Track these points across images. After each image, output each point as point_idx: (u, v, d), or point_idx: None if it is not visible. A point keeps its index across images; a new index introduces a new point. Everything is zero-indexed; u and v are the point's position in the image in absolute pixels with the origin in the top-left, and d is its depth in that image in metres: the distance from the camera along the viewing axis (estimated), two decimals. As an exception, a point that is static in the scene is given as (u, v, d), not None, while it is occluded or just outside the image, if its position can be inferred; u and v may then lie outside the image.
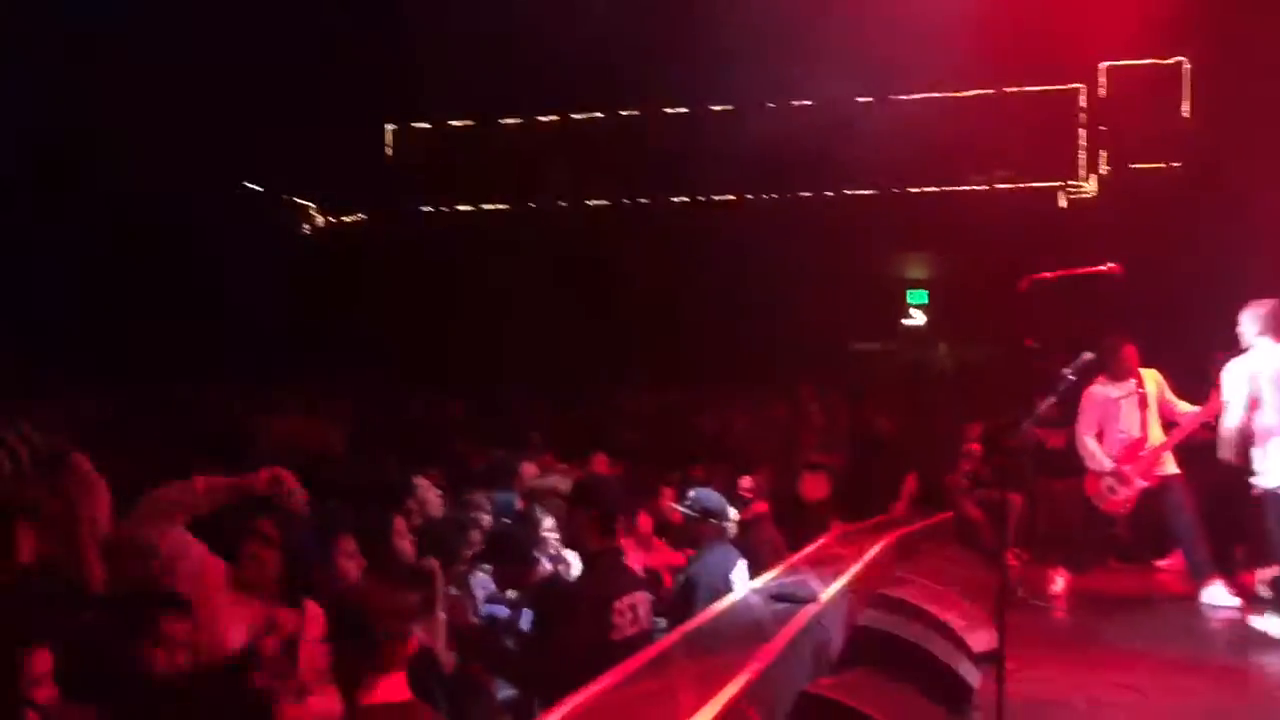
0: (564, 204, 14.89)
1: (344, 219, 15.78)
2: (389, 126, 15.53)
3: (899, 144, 12.64)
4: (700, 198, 14.42)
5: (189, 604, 3.84)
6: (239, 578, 4.24)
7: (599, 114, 14.47)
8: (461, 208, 15.35)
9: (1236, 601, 7.84)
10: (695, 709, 3.26)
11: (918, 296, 15.42)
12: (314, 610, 4.16)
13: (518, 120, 14.95)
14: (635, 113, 14.30)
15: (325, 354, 12.80)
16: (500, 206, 15.18)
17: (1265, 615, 6.91)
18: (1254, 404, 6.73)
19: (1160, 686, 5.89)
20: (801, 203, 14.12)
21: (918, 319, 15.56)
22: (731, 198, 14.32)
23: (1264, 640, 7.13)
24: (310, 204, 15.76)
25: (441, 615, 4.58)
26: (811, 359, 13.38)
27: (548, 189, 14.89)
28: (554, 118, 14.76)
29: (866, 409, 12.26)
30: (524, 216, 14.93)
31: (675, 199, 14.54)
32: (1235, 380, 6.81)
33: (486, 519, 5.71)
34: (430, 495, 6.36)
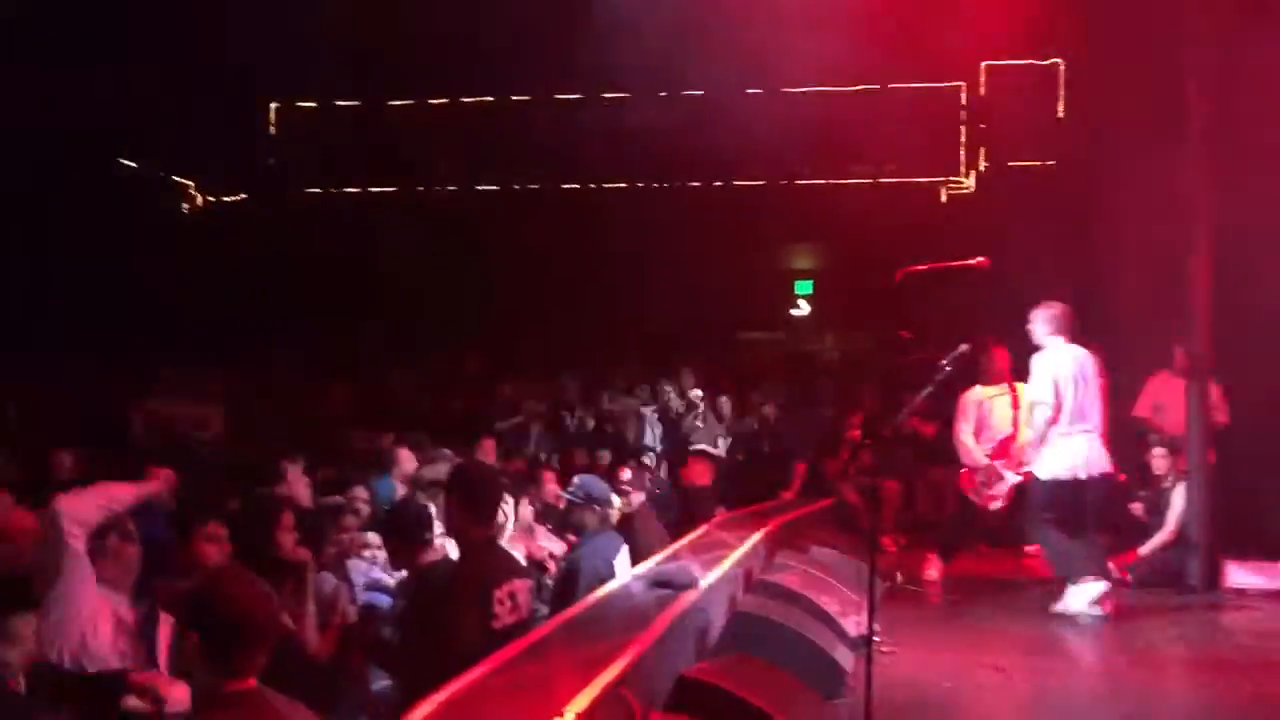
0: (453, 188, 14.72)
1: (225, 198, 15.36)
2: (273, 105, 15.15)
3: (787, 136, 12.79)
4: (591, 185, 14.38)
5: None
6: (100, 574, 4.14)
7: (489, 98, 14.33)
8: (348, 190, 15.04)
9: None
10: (573, 694, 3.28)
11: (804, 287, 15.65)
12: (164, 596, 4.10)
13: (407, 103, 14.71)
14: (525, 98, 14.19)
15: (205, 335, 12.48)
16: (388, 189, 14.92)
17: (1063, 599, 7.23)
18: (1058, 401, 7.12)
19: (1024, 667, 6.11)
20: (691, 192, 14.19)
21: (804, 309, 15.81)
22: (622, 185, 14.31)
23: (1122, 622, 7.47)
24: (189, 182, 15.31)
25: (311, 608, 4.51)
26: (700, 348, 13.49)
27: (437, 173, 14.69)
28: (443, 100, 14.57)
29: (754, 397, 12.42)
30: (412, 200, 14.69)
31: (566, 185, 14.48)
32: (1041, 378, 7.13)
33: (365, 507, 5.64)
34: (299, 481, 6.26)
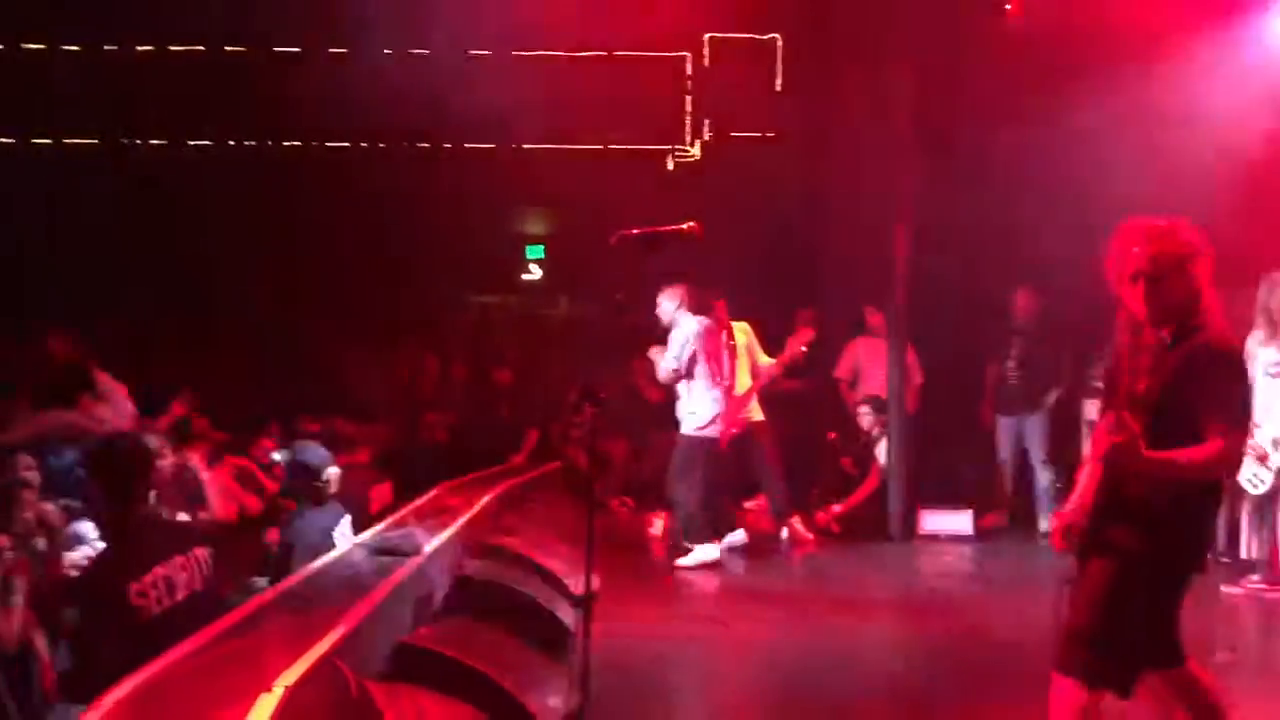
0: (161, 142, 13.79)
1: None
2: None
3: (516, 101, 12.72)
4: (312, 143, 13.81)
5: None
6: None
7: (199, 47, 13.46)
8: (38, 141, 13.80)
9: (811, 536, 8.69)
10: (283, 668, 3.18)
11: (535, 251, 15.66)
12: None
13: (111, 48, 13.62)
14: (240, 49, 13.42)
15: None
16: (89, 141, 13.80)
17: (688, 553, 7.71)
18: (691, 364, 7.87)
19: (741, 616, 6.41)
20: (419, 154, 13.88)
21: (536, 273, 15.85)
22: (345, 145, 13.82)
23: (835, 571, 7.96)
24: None
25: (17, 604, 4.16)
26: (431, 311, 13.29)
27: (143, 126, 13.69)
28: (150, 48, 13.58)
29: (486, 362, 12.36)
30: (116, 154, 13.66)
31: (285, 143, 13.84)
32: (675, 345, 7.91)
33: (35, 475, 5.15)
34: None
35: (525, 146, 13.74)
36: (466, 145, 13.77)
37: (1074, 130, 8.18)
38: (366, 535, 5.40)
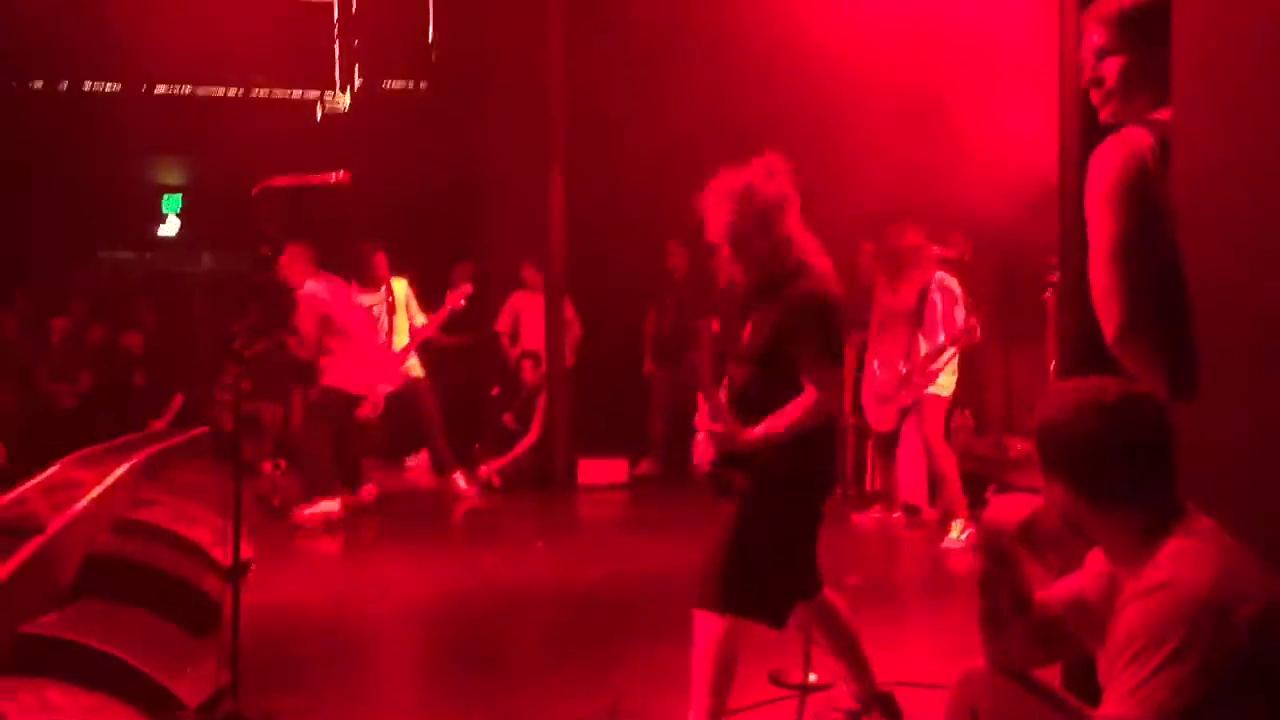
0: None
1: None
2: None
3: (148, 39, 11.75)
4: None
5: None
6: None
7: None
8: None
9: (473, 491, 8.71)
10: None
11: (173, 203, 14.63)
12: None
13: None
14: None
15: None
16: None
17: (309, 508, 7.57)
18: (326, 328, 7.65)
19: (402, 577, 6.31)
20: (34, 94, 12.54)
21: (174, 226, 14.81)
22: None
23: (497, 524, 8.00)
24: None
25: None
26: (54, 267, 12.13)
27: None
28: None
29: (120, 322, 11.44)
30: None
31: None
32: (307, 308, 7.63)
33: None
34: None
35: (159, 89, 12.77)
36: (88, 85, 12.61)
37: (725, 86, 8.48)
38: (-22, 516, 4.87)
